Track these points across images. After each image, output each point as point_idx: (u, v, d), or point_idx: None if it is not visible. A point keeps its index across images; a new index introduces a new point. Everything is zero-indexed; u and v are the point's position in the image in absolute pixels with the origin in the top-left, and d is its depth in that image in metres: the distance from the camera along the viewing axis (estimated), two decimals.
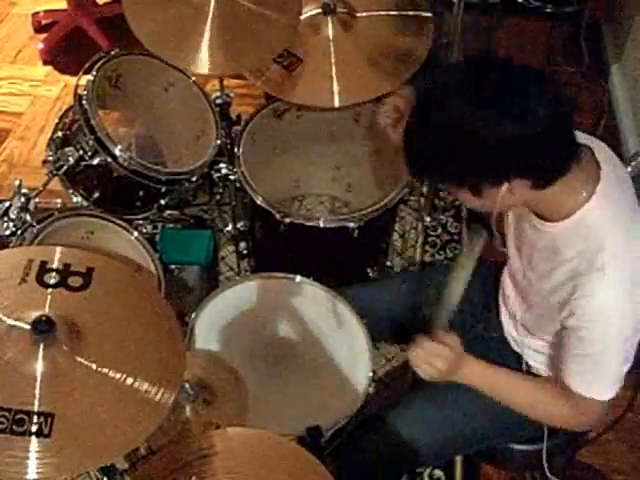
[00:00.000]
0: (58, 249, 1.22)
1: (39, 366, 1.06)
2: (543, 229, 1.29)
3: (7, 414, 1.02)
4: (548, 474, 1.50)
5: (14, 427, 1.01)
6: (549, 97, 1.12)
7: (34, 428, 1.01)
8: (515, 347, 1.52)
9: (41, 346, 1.06)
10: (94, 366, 1.09)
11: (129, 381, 1.09)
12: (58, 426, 1.02)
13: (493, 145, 1.12)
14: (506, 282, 1.54)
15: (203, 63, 1.59)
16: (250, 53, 1.65)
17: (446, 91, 1.15)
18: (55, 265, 1.19)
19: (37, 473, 0.99)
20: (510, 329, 1.53)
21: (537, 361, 1.48)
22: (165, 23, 1.63)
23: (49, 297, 1.14)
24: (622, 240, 1.21)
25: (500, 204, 1.20)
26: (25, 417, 1.02)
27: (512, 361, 1.51)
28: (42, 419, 1.02)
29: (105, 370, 1.09)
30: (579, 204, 1.22)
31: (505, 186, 1.16)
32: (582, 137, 1.25)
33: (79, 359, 1.09)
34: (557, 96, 1.14)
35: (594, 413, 1.33)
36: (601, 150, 1.28)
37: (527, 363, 1.50)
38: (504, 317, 1.56)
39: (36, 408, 1.03)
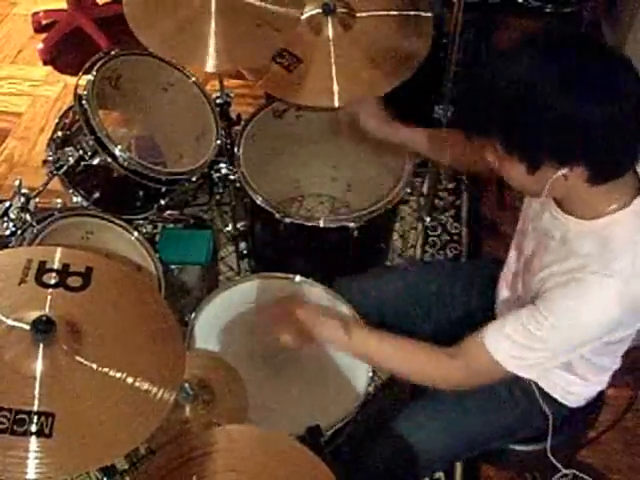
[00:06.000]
0: (57, 249, 1.22)
1: (39, 366, 1.06)
2: (561, 219, 1.28)
3: (8, 414, 1.02)
4: (553, 460, 1.48)
5: (15, 427, 1.01)
6: (637, 91, 1.12)
7: (34, 428, 1.01)
8: None
9: (41, 346, 1.06)
10: (94, 366, 1.09)
11: (129, 380, 1.09)
12: (59, 426, 1.02)
13: (577, 126, 1.10)
14: (510, 265, 1.53)
15: (212, 61, 1.60)
16: (255, 46, 1.65)
17: (543, 63, 1.11)
18: (54, 265, 1.19)
19: (38, 473, 0.99)
20: None
21: None
22: (171, 29, 1.63)
23: (49, 297, 1.14)
24: (636, 260, 1.19)
25: (549, 189, 1.19)
26: (26, 417, 1.02)
27: None
28: (43, 419, 1.02)
29: (105, 370, 1.09)
30: (608, 212, 1.21)
31: (564, 171, 1.15)
32: None
33: (79, 359, 1.09)
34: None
35: (486, 374, 1.31)
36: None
37: None
38: (503, 306, 1.55)
39: (36, 408, 1.03)
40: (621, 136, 1.13)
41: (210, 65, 1.60)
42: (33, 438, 1.01)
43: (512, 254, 1.51)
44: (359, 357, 1.49)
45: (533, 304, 1.26)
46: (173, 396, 1.10)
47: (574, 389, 1.46)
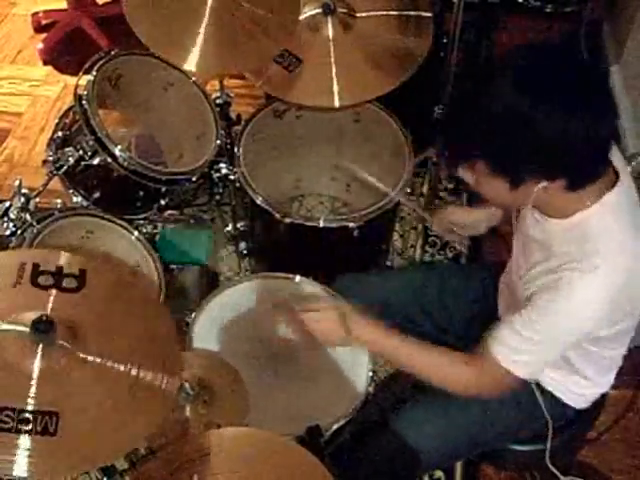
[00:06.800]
0: (51, 252, 1.23)
1: (40, 366, 1.06)
2: (541, 221, 1.31)
3: (11, 413, 1.02)
4: (552, 468, 1.49)
5: (19, 426, 1.01)
6: (609, 104, 1.17)
7: (39, 427, 1.01)
8: None
9: (41, 346, 1.07)
10: (98, 360, 1.09)
11: (130, 376, 1.09)
12: (63, 424, 1.02)
13: (557, 144, 1.13)
14: (509, 273, 1.54)
15: (195, 63, 1.60)
16: (246, 54, 1.65)
17: (520, 90, 1.14)
18: (48, 268, 1.19)
19: (43, 472, 0.99)
20: None
21: None
22: (163, 21, 1.63)
23: (46, 298, 1.14)
24: (617, 251, 1.21)
25: (532, 200, 1.21)
26: (29, 416, 1.02)
27: None
28: (47, 418, 1.02)
29: (106, 366, 1.09)
30: (580, 208, 1.23)
31: (545, 183, 1.18)
32: None
33: (81, 355, 1.09)
34: (614, 103, 1.18)
35: (499, 383, 1.33)
36: (618, 160, 1.29)
37: None
38: (503, 311, 1.55)
39: (40, 407, 1.03)
40: (597, 147, 1.17)
41: (193, 66, 1.61)
42: (37, 437, 1.01)
43: (514, 247, 1.52)
44: (378, 353, 1.49)
45: (524, 309, 1.28)
46: (174, 391, 1.10)
47: (581, 390, 1.47)
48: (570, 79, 1.15)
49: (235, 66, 1.72)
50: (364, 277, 1.78)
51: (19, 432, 1.00)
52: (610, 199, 1.23)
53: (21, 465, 0.99)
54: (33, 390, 1.05)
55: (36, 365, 1.06)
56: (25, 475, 0.99)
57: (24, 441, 1.00)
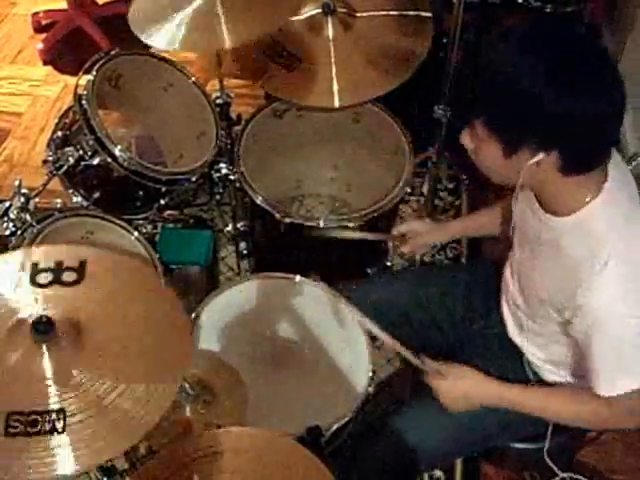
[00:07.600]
0: (47, 248, 1.22)
1: (43, 366, 1.06)
2: (548, 223, 1.30)
3: (20, 417, 1.02)
4: (550, 463, 1.49)
5: (28, 429, 1.01)
6: (619, 87, 1.15)
7: (48, 427, 1.01)
8: (518, 342, 1.52)
9: (44, 346, 1.06)
10: (101, 353, 1.09)
11: (133, 372, 1.09)
12: (70, 421, 1.02)
13: (561, 115, 1.12)
14: (507, 275, 1.54)
15: (227, 38, 1.57)
16: (266, 16, 1.64)
17: (530, 54, 1.14)
18: (47, 265, 1.18)
19: (58, 469, 0.99)
20: (512, 325, 1.53)
21: (537, 357, 1.48)
22: (177, 25, 1.61)
23: (45, 297, 1.14)
24: (626, 238, 1.21)
25: (522, 174, 1.20)
26: (38, 417, 1.02)
27: (513, 358, 1.51)
28: (54, 416, 1.02)
29: (109, 363, 1.09)
30: (584, 202, 1.23)
31: (539, 157, 1.17)
32: None
33: (82, 354, 1.09)
34: (623, 85, 1.16)
35: (630, 407, 1.31)
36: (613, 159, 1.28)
37: (528, 361, 1.50)
38: (506, 312, 1.55)
39: (48, 407, 1.03)
40: (600, 130, 1.17)
41: (227, 43, 1.57)
42: (47, 437, 1.01)
43: (515, 250, 1.52)
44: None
45: (574, 334, 1.28)
46: (179, 380, 1.10)
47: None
48: (573, 51, 1.15)
49: (258, 30, 1.65)
50: (365, 283, 1.78)
51: (29, 435, 1.01)
52: (609, 190, 1.23)
53: (34, 467, 0.99)
54: (41, 390, 1.04)
55: (43, 366, 1.06)
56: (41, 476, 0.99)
57: (35, 443, 1.00)
